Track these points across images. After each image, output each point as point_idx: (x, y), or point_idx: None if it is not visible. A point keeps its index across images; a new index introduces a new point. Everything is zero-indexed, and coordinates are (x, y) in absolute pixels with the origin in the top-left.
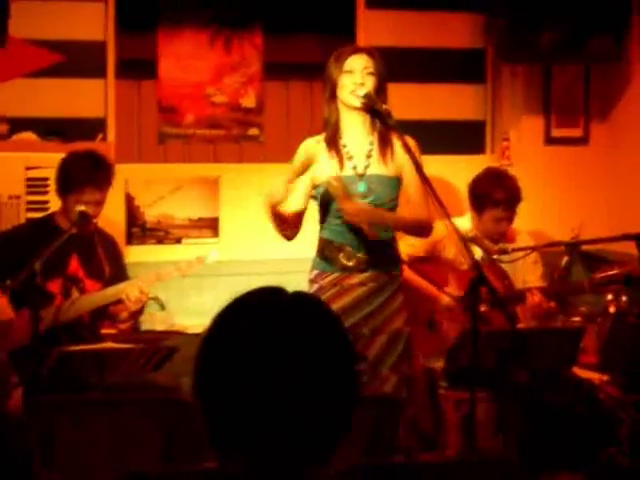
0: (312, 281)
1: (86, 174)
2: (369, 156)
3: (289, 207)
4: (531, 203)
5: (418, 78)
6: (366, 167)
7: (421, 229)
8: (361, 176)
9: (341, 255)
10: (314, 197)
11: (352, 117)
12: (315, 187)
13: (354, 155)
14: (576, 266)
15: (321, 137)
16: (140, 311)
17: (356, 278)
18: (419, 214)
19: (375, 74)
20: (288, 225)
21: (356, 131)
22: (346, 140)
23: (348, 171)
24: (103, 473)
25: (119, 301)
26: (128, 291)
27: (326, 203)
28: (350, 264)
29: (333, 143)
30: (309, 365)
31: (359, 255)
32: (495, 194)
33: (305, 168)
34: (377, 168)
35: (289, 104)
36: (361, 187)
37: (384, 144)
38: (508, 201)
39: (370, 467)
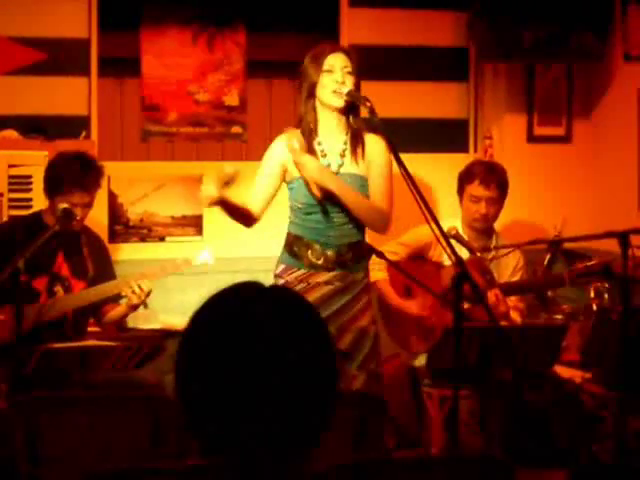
0: (278, 276)
1: (75, 177)
2: (343, 155)
3: (238, 200)
4: (514, 201)
5: (401, 76)
6: (340, 166)
7: (373, 216)
8: (335, 174)
9: (309, 252)
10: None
11: (328, 116)
12: (287, 183)
13: (328, 153)
14: (558, 263)
15: (292, 134)
16: (134, 308)
17: (323, 276)
18: (375, 202)
19: (353, 73)
20: (235, 216)
21: (331, 130)
22: (321, 138)
23: None
24: (88, 469)
25: (108, 300)
26: (123, 289)
27: (297, 199)
28: (318, 262)
29: (308, 142)
30: (289, 360)
31: (327, 253)
32: (473, 168)
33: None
34: (350, 167)
35: (272, 102)
36: None
37: (356, 144)
38: (485, 175)
39: (353, 465)
